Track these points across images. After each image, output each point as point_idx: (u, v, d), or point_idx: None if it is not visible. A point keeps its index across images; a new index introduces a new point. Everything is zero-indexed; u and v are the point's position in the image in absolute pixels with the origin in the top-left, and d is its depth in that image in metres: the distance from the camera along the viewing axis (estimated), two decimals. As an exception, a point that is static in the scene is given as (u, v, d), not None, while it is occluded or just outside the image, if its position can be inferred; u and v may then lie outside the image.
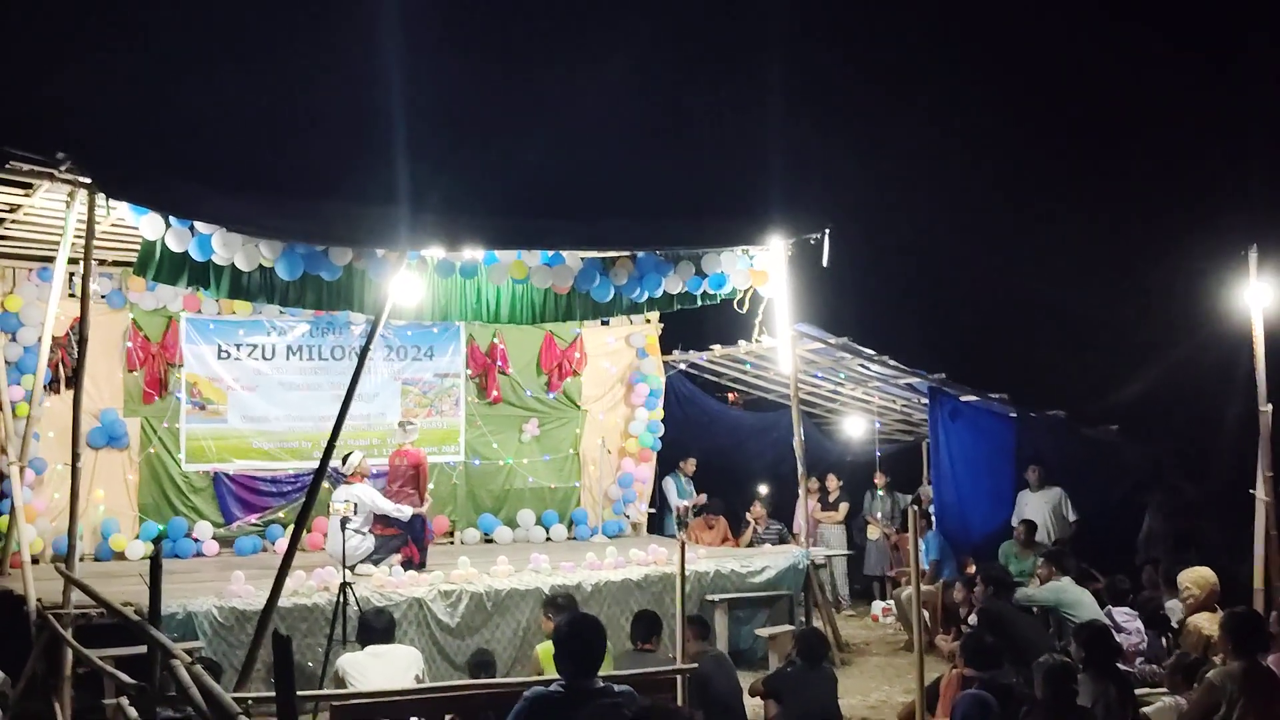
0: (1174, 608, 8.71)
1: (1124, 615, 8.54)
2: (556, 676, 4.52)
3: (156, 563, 5.19)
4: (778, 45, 16.53)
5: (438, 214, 9.37)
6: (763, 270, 11.36)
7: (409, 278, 9.59)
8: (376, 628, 7.16)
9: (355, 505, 9.44)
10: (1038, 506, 11.74)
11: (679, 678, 5.69)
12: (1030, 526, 11.11)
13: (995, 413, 12.42)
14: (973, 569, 10.95)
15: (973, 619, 8.95)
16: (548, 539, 13.16)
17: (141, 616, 5.93)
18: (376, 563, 9.94)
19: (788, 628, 10.10)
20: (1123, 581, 9.12)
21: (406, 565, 9.96)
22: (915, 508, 6.62)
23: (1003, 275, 14.89)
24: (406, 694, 5.58)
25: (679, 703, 5.62)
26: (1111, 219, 15.47)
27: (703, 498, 13.86)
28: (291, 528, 11.51)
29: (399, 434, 11.25)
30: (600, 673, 4.54)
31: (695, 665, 6.17)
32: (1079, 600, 8.60)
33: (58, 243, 9.12)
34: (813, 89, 16.62)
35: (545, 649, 7.20)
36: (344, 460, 10.40)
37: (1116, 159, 16.21)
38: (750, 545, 12.79)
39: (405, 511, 10.31)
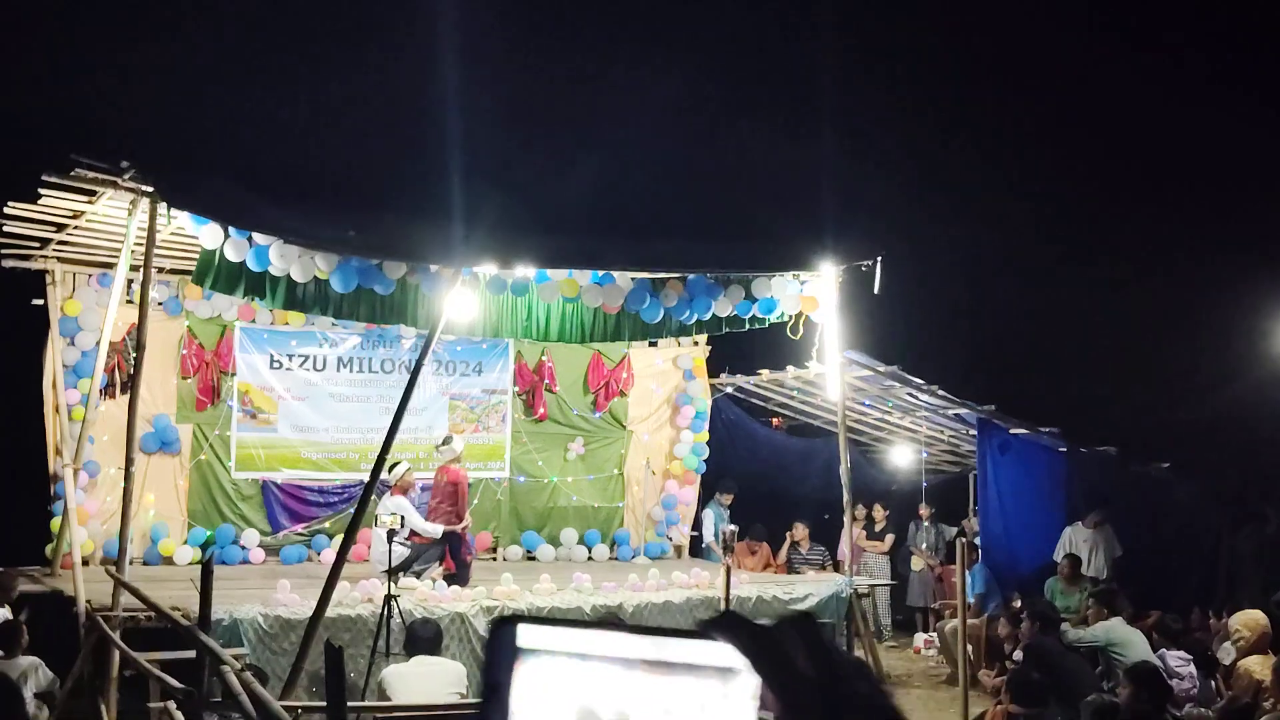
0: (1226, 650, 8.56)
1: (1177, 659, 8.37)
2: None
3: (208, 569, 5.25)
4: (833, 72, 16.54)
5: (492, 231, 9.44)
6: (812, 296, 11.31)
7: (463, 294, 9.64)
8: (423, 638, 7.17)
9: (402, 519, 9.48)
10: (1085, 543, 11.58)
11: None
12: (1075, 561, 10.96)
13: (1045, 446, 12.28)
14: (1018, 604, 10.81)
15: (1018, 655, 8.83)
16: (590, 558, 13.15)
17: (190, 621, 6.00)
18: (418, 575, 9.96)
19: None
20: (1175, 621, 8.97)
21: (448, 579, 9.99)
22: (961, 541, 6.56)
23: (1055, 308, 14.76)
24: (447, 709, 5.59)
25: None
26: (1167, 253, 15.30)
27: (733, 529, 13.64)
28: (338, 538, 11.65)
29: (444, 450, 11.22)
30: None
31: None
32: (1129, 640, 8.45)
33: (118, 249, 9.28)
34: (867, 117, 16.60)
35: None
36: (389, 469, 10.46)
37: (1173, 192, 16.06)
38: (789, 565, 12.72)
39: (435, 530, 10.31)
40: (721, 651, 0.78)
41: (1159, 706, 6.06)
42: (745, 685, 0.77)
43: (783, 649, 0.78)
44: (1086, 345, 15.04)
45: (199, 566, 10.66)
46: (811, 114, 16.68)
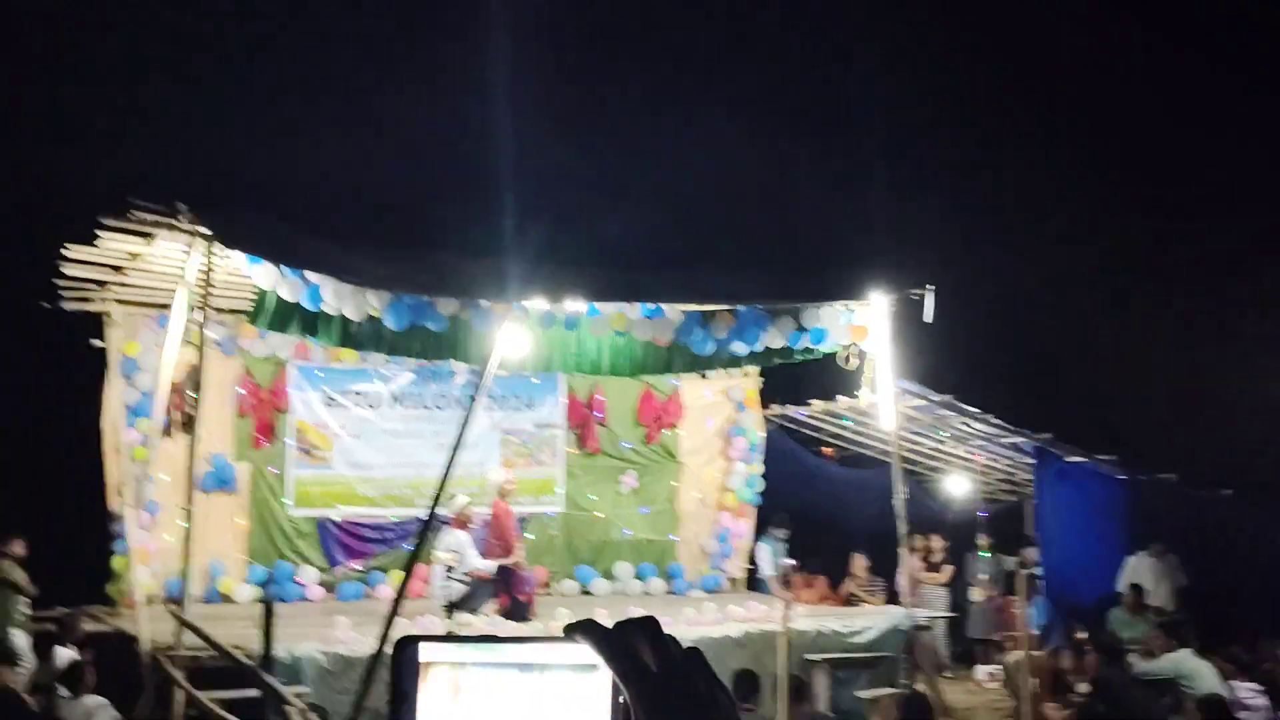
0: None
1: (1248, 691, 8.18)
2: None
3: (269, 608, 5.27)
4: (882, 100, 16.53)
5: (542, 266, 9.48)
6: (863, 325, 11.23)
7: (515, 329, 9.68)
8: None
9: (459, 555, 9.49)
10: (1149, 572, 11.38)
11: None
12: (1139, 591, 10.77)
13: (1103, 474, 12.11)
14: (1082, 635, 10.63)
15: (1083, 687, 8.67)
16: (645, 592, 13.10)
17: (253, 660, 6.02)
18: (474, 610, 9.96)
19: (890, 690, 9.88)
20: (1245, 652, 8.78)
21: (505, 615, 9.97)
22: (1022, 570, 6.46)
23: (1111, 334, 14.58)
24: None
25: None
26: (1225, 277, 15.10)
27: (792, 563, 13.53)
28: (394, 574, 11.69)
29: (491, 486, 11.21)
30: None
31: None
32: (1198, 671, 8.26)
33: (175, 290, 9.40)
34: (917, 145, 16.55)
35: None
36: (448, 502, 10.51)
37: (1234, 216, 15.85)
38: (849, 600, 12.58)
39: (490, 567, 10.30)
40: (582, 651, 0.96)
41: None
42: (603, 678, 0.95)
43: (628, 646, 0.94)
44: (1143, 371, 14.82)
45: (258, 604, 10.78)
46: (861, 142, 16.63)
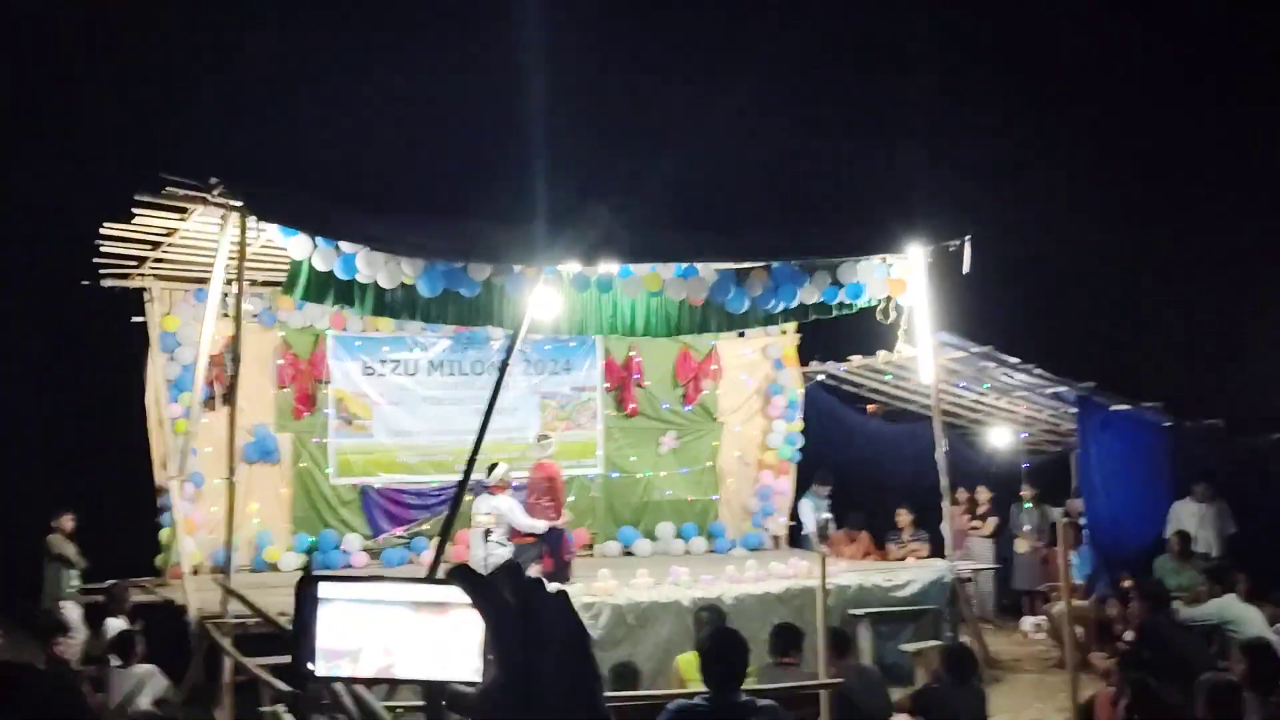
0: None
1: (1295, 633, 8.09)
2: (698, 689, 4.48)
3: (310, 572, 5.34)
4: (914, 51, 16.29)
5: (573, 229, 9.45)
6: (900, 279, 11.13)
7: (546, 293, 9.67)
8: None
9: (497, 518, 9.53)
10: (1194, 518, 11.26)
11: (822, 692, 5.59)
12: (1184, 538, 10.67)
13: (1148, 422, 11.96)
14: (1127, 583, 10.54)
15: (1129, 635, 8.60)
16: (687, 552, 13.13)
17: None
18: (518, 573, 10.03)
19: (934, 643, 9.86)
20: (1291, 597, 8.67)
21: (548, 577, 10.04)
22: (1063, 521, 6.41)
23: (1153, 280, 14.37)
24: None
25: (823, 717, 5.53)
26: (1268, 221, 14.80)
27: (828, 518, 13.48)
28: (437, 539, 11.80)
29: (536, 448, 11.32)
30: (748, 686, 4.49)
31: (840, 680, 6.06)
32: (1244, 617, 8.18)
33: (212, 264, 9.47)
34: (950, 92, 16.30)
35: (685, 659, 7.16)
36: (489, 471, 10.56)
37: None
38: (890, 552, 12.58)
39: (540, 526, 10.39)
40: (457, 592, 1.18)
41: (1274, 681, 5.83)
42: (473, 615, 1.16)
43: (492, 588, 1.14)
44: (1187, 317, 14.61)
45: (302, 573, 10.92)
46: (894, 94, 16.41)
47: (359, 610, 1.22)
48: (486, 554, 8.90)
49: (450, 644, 1.20)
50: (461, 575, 1.14)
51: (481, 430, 8.28)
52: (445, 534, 8.27)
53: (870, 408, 15.69)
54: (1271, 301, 13.46)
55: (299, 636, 1.19)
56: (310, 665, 1.21)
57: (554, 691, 1.09)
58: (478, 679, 1.16)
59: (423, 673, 1.21)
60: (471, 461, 8.18)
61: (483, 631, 1.15)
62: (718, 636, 4.61)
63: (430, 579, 1.22)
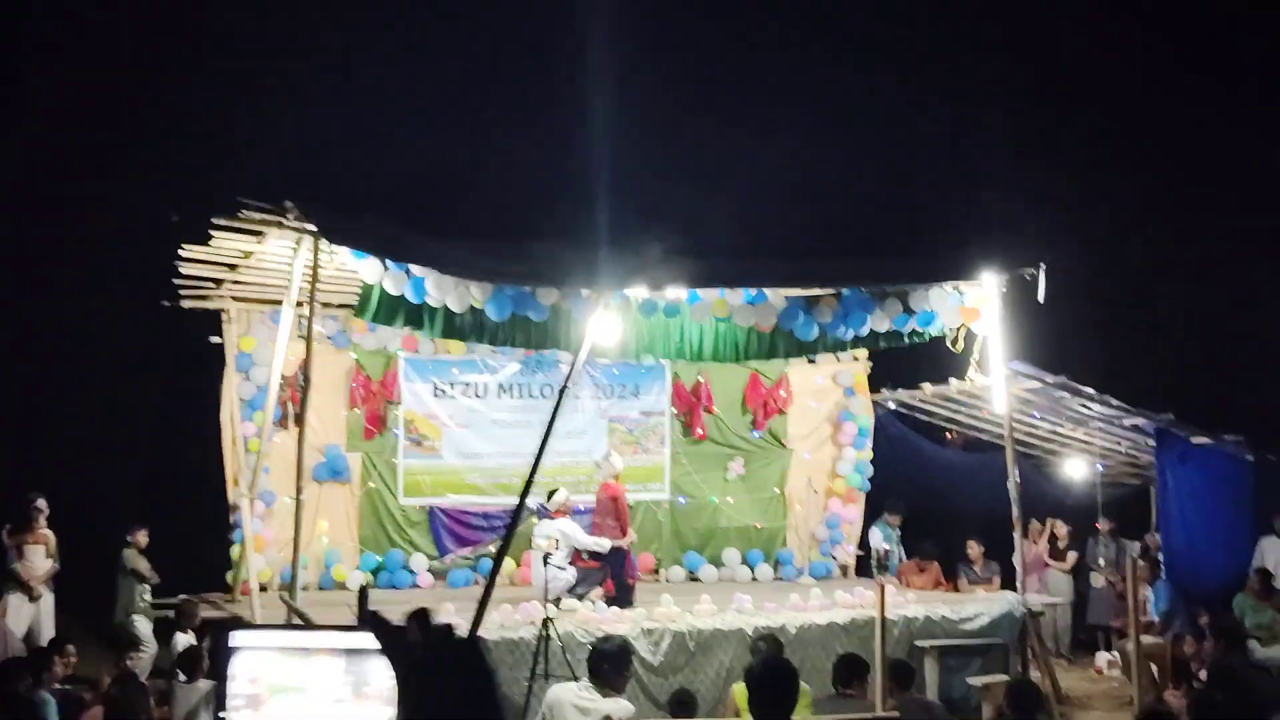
0: None
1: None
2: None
3: (364, 594, 5.38)
4: (989, 74, 16.12)
5: (641, 254, 9.47)
6: (974, 307, 10.97)
7: (607, 317, 9.68)
8: (606, 655, 6.51)
9: (558, 540, 9.54)
10: (1276, 552, 10.93)
11: (878, 726, 5.50)
12: (1266, 575, 10.35)
13: (1229, 455, 11.64)
14: (1204, 620, 10.26)
15: (1204, 675, 8.36)
16: (753, 579, 13.03)
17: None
18: (580, 597, 10.03)
19: (1002, 677, 9.65)
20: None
21: (609, 601, 10.02)
22: (1134, 556, 6.26)
23: (1232, 310, 14.01)
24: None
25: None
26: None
27: (887, 548, 13.23)
28: (505, 562, 11.83)
29: (603, 466, 11.27)
30: (804, 717, 4.44)
31: (895, 714, 5.95)
32: (1324, 659, 7.93)
33: (286, 286, 9.65)
34: (1025, 119, 16.10)
35: (740, 689, 7.08)
36: (549, 496, 10.59)
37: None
38: (959, 584, 12.40)
39: (604, 544, 10.39)
40: (369, 638, 1.27)
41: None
42: (383, 661, 1.17)
43: (399, 636, 1.16)
44: (1268, 348, 14.21)
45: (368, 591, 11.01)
46: (966, 119, 16.25)
47: (273, 659, 1.28)
48: (548, 577, 8.89)
49: (364, 690, 1.26)
50: (371, 623, 1.19)
51: (540, 452, 8.29)
52: (500, 557, 8.29)
53: (949, 436, 15.46)
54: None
55: (218, 683, 1.28)
56: (222, 714, 1.29)
57: None
58: None
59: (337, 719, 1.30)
60: (529, 483, 8.19)
61: (392, 677, 1.20)
62: (766, 666, 4.56)
63: (347, 626, 1.26)
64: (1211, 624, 8.98)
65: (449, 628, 1.07)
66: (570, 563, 10.22)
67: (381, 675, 1.11)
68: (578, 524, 10.59)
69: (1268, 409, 13.02)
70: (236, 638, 1.17)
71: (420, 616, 1.07)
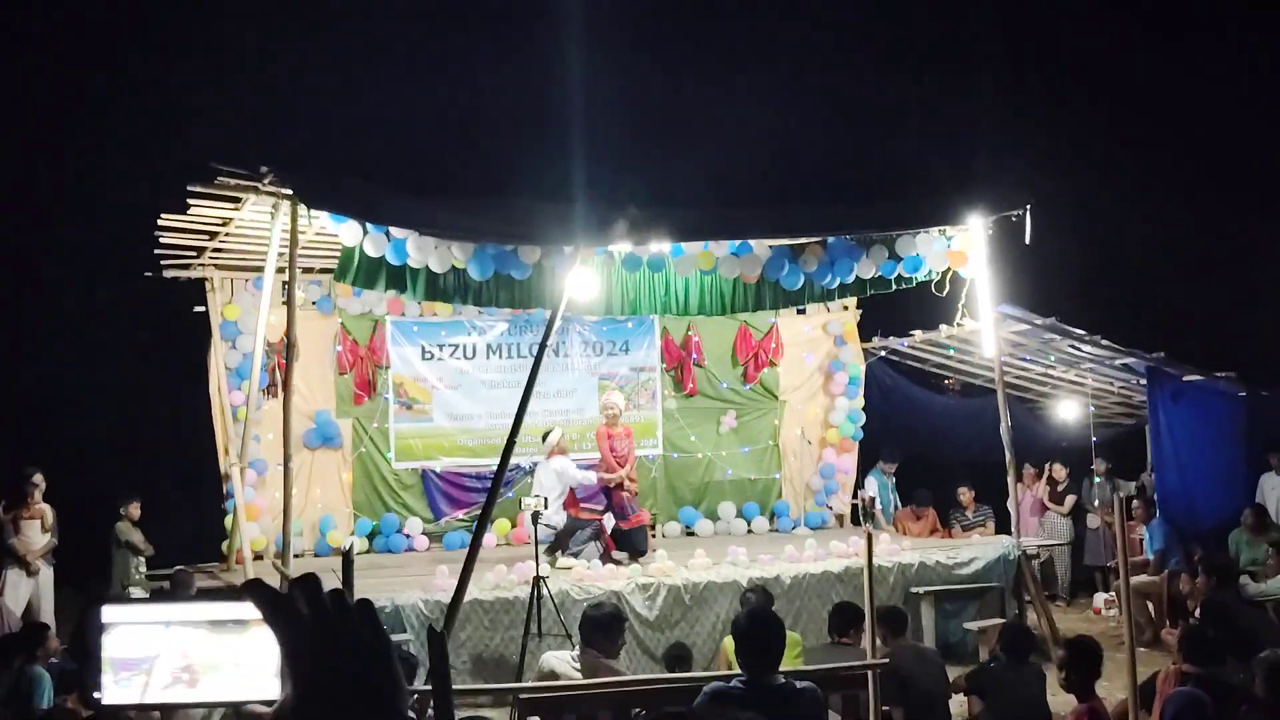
0: None
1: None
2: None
3: (348, 559, 5.34)
4: (971, 20, 15.95)
5: (622, 208, 9.39)
6: (961, 251, 10.90)
7: (584, 273, 9.56)
8: (595, 621, 6.49)
9: (546, 500, 9.49)
10: (1275, 489, 10.94)
11: (869, 673, 5.48)
12: (1260, 511, 10.36)
13: (1222, 392, 11.61)
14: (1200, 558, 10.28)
15: (1199, 612, 8.37)
16: (749, 531, 13.02)
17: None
18: (576, 554, 10.01)
19: (998, 621, 9.70)
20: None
21: (606, 557, 10.02)
22: (1121, 495, 6.24)
23: (1221, 246, 13.93)
24: (593, 687, 5.58)
25: (871, 698, 5.43)
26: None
27: (872, 496, 13.18)
28: (500, 521, 11.85)
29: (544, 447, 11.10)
30: (794, 666, 4.43)
31: (886, 660, 5.94)
32: (1315, 591, 7.94)
33: (267, 253, 9.58)
34: (1007, 59, 15.94)
35: (730, 642, 7.07)
36: (543, 437, 10.59)
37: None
38: (953, 529, 12.45)
39: (591, 478, 10.41)
40: (250, 608, 1.07)
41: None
42: (267, 631, 1.06)
43: (285, 603, 1.04)
44: (1258, 282, 14.15)
45: (364, 556, 11.02)
46: (948, 60, 16.08)
47: (149, 633, 1.13)
48: (538, 537, 8.88)
49: (248, 663, 1.11)
50: (253, 591, 1.07)
51: (520, 411, 8.24)
52: (483, 520, 8.24)
53: (948, 382, 15.41)
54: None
55: (84, 662, 1.18)
56: (97, 694, 1.19)
57: (351, 705, 1.04)
58: (275, 698, 1.10)
59: (219, 694, 1.15)
60: (510, 444, 8.14)
61: (278, 649, 1.07)
62: (750, 617, 4.55)
63: (225, 594, 1.15)
64: (1203, 561, 8.97)
65: (339, 592, 1.00)
66: (564, 507, 10.19)
67: (269, 646, 1.03)
68: (570, 461, 10.57)
69: (1258, 346, 12.99)
70: (111, 613, 1.08)
71: (306, 584, 0.99)
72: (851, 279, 10.99)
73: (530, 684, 6.25)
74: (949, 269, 11.15)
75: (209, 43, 14.23)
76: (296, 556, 9.32)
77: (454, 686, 6.72)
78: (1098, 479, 13.37)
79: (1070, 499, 13.46)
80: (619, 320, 12.68)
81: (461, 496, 12.35)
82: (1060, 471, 13.59)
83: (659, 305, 11.16)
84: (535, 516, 8.79)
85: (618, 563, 9.99)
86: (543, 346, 8.62)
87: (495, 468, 12.17)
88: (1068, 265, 13.58)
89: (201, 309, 11.37)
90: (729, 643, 7.18)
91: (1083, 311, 11.80)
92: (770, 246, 10.72)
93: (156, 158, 12.41)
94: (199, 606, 1.16)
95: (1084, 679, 5.68)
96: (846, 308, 13.78)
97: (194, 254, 10.79)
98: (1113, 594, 12.00)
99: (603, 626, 6.45)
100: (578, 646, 6.60)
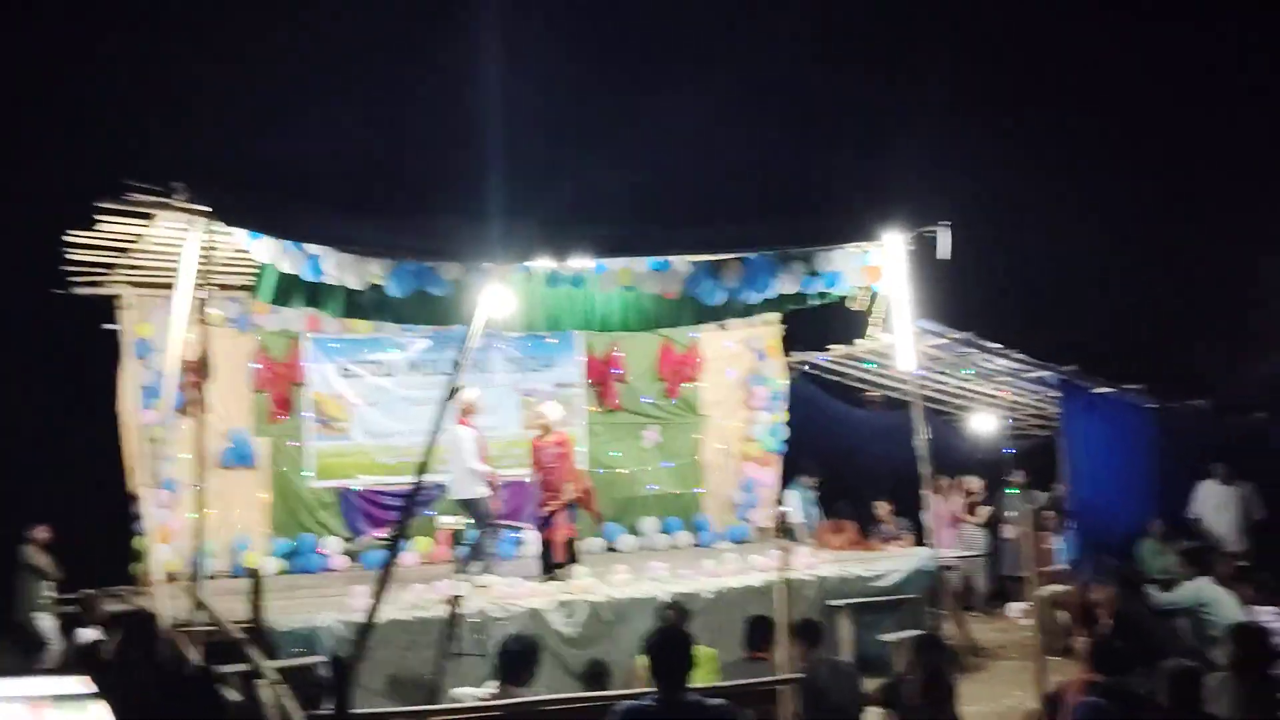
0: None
1: (1271, 614, 8.01)
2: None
3: (257, 580, 5.28)
4: (888, 40, 16.20)
5: (543, 225, 9.37)
6: (876, 267, 11.01)
7: (500, 290, 9.51)
8: (513, 655, 6.43)
9: (468, 524, 9.41)
10: (1215, 500, 11.22)
11: (779, 688, 5.52)
12: (1164, 523, 10.62)
13: (1131, 404, 11.87)
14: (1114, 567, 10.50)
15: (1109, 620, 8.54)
16: (672, 546, 13.06)
17: (261, 632, 6.04)
18: (483, 566, 9.89)
19: (915, 632, 9.78)
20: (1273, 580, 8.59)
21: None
22: (1032, 507, 6.36)
23: (1135, 263, 14.28)
24: (508, 707, 5.55)
25: (781, 713, 5.46)
26: (1246, 200, 14.72)
27: (786, 510, 13.27)
28: (420, 539, 11.75)
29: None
30: (709, 683, 4.44)
31: (800, 675, 5.99)
32: (1218, 599, 8.11)
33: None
34: (923, 80, 16.20)
35: (643, 659, 7.08)
36: (452, 394, 10.35)
37: (1262, 134, 15.41)
38: (872, 542, 12.58)
39: (483, 469, 10.16)
40: (77, 683, 1.50)
41: (1264, 666, 5.75)
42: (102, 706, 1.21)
43: (125, 671, 1.79)
44: (1170, 298, 14.52)
45: (282, 576, 10.87)
46: (867, 79, 16.28)
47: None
48: (462, 557, 8.82)
49: None
50: (85, 662, 1.09)
51: (434, 430, 8.14)
52: (396, 539, 8.11)
53: (869, 396, 15.54)
54: (1251, 282, 13.40)
55: None
56: None
57: None
58: None
59: None
60: (423, 465, 8.03)
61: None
62: (659, 635, 4.56)
63: (53, 670, 1.15)
64: (1114, 570, 9.16)
65: (203, 669, 0.97)
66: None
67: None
68: (472, 436, 10.30)
69: (1172, 363, 13.32)
70: None
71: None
72: (772, 295, 11.04)
73: (444, 706, 6.19)
74: (867, 285, 11.26)
75: (124, 53, 13.94)
76: (211, 578, 9.13)
77: (370, 710, 6.66)
78: (1014, 490, 13.59)
79: (984, 510, 13.67)
80: (541, 336, 12.65)
81: (380, 515, 12.23)
82: (974, 484, 13.81)
83: (581, 321, 11.12)
84: (456, 536, 8.72)
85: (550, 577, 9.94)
86: (457, 365, 8.54)
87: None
88: (986, 280, 13.81)
89: (112, 326, 11.14)
90: (640, 660, 7.20)
91: (1001, 325, 11.98)
92: (691, 263, 10.75)
93: (69, 171, 12.11)
94: (20, 682, 1.16)
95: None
96: (769, 323, 13.89)
97: (104, 270, 10.57)
98: (1028, 604, 12.18)
99: (522, 658, 6.43)
100: (497, 685, 6.54)
